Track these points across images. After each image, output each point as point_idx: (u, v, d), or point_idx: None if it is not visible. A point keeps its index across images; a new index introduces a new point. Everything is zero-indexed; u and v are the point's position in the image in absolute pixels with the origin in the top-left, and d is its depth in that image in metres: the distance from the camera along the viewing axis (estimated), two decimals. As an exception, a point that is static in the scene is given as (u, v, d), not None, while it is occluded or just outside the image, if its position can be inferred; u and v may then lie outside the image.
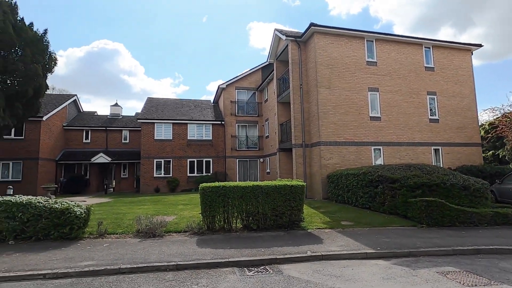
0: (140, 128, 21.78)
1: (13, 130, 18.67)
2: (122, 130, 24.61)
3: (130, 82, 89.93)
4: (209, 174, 21.30)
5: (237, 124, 22.74)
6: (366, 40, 14.72)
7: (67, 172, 22.45)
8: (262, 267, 5.18)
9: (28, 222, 6.57)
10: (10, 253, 5.80)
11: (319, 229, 7.80)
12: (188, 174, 21.23)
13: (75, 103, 25.63)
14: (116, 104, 26.91)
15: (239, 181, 20.64)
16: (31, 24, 12.76)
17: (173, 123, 21.37)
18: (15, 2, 12.35)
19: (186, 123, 21.69)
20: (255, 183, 7.76)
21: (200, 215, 7.71)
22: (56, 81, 73.43)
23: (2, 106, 10.85)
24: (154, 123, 21.01)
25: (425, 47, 15.69)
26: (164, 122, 21.24)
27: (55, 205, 6.78)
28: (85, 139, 23.72)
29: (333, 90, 13.81)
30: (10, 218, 6.46)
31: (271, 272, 4.96)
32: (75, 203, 7.36)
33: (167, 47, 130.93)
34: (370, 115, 14.23)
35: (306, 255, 5.62)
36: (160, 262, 5.23)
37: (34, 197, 6.97)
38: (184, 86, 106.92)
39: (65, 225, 6.71)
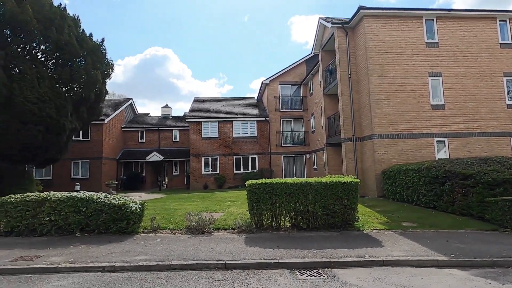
0: (188, 127, 22.69)
1: (81, 132, 20.90)
2: (172, 129, 25.94)
3: (178, 85, 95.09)
4: (254, 171, 21.31)
5: (281, 119, 22.35)
6: (425, 20, 13.12)
7: (126, 170, 24.44)
8: (315, 271, 4.78)
9: (91, 217, 7.09)
10: (76, 244, 6.28)
11: (377, 230, 7.08)
12: (235, 171, 21.51)
13: (131, 106, 27.75)
14: (166, 105, 28.48)
15: (285, 177, 20.29)
16: (91, 34, 14.00)
17: (218, 121, 21.82)
18: (78, 16, 13.65)
19: (231, 121, 21.97)
20: (304, 179, 7.33)
21: (248, 212, 7.56)
22: (115, 88, 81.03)
23: (70, 111, 12.04)
24: (201, 122, 21.69)
25: (499, 21, 13.45)
26: (211, 121, 21.79)
27: (113, 201, 7.20)
28: (140, 139, 25.54)
29: (387, 78, 12.60)
30: (76, 212, 7.02)
31: (325, 276, 4.54)
32: (130, 199, 7.76)
33: (212, 49, 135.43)
34: (432, 103, 12.68)
35: (364, 259, 5.06)
36: (209, 260, 5.15)
37: (96, 193, 7.50)
38: (228, 86, 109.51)
39: (122, 220, 7.09)
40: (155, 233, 7.21)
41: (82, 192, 7.65)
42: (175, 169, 25.85)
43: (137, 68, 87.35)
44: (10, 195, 7.24)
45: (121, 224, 7.06)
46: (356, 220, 7.28)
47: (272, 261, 5.04)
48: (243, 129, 22.09)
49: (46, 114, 10.73)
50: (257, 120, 22.15)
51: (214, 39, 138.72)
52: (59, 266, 5.03)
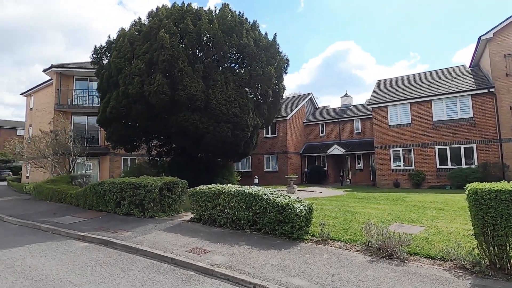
0: (371, 115, 19.66)
1: (269, 129, 23.20)
2: (353, 119, 23.67)
3: (362, 75, 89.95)
4: (471, 166, 15.16)
5: (520, 88, 14.55)
6: None
7: (309, 163, 24.80)
8: None
9: (258, 214, 6.59)
10: (242, 244, 5.86)
11: None
12: (438, 166, 16.27)
13: (311, 101, 28.03)
14: (346, 95, 26.53)
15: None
16: (266, 34, 14.61)
17: (411, 102, 17.32)
18: (255, 21, 14.64)
19: (430, 100, 16.79)
20: None
21: (471, 234, 4.44)
22: (302, 89, 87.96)
23: (251, 108, 12.93)
24: (386, 106, 18.09)
25: None
26: (400, 103, 17.69)
27: (277, 199, 6.35)
28: (321, 133, 25.13)
29: None
30: (245, 208, 6.75)
31: None
32: (297, 198, 6.66)
33: (396, 30, 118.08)
34: None
35: None
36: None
37: (262, 189, 6.99)
38: (423, 65, 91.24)
39: (286, 222, 6.09)
40: (324, 245, 5.66)
41: (251, 186, 7.40)
42: (358, 163, 23.41)
43: (321, 67, 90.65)
44: (200, 185, 8.10)
45: (285, 227, 6.05)
46: None
47: None
48: (449, 110, 16.32)
49: (233, 113, 11.95)
50: (472, 94, 15.65)
51: (399, 16, 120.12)
52: (215, 270, 4.56)
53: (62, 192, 11.59)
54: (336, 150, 22.18)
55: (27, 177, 21.92)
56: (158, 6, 13.46)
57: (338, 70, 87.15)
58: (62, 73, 19.71)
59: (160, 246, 5.79)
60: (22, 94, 25.15)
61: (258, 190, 6.86)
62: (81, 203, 10.35)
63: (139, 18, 13.84)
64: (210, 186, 7.79)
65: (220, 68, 13.17)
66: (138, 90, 11.18)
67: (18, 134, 40.80)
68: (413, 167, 16.94)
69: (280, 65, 14.24)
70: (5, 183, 25.84)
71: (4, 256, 5.52)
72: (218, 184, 7.97)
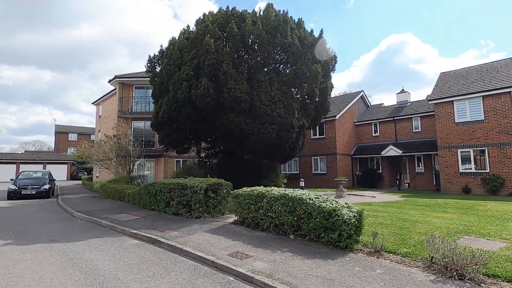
0: (433, 112, 17.62)
1: (317, 130, 22.37)
2: (411, 117, 21.51)
3: (421, 69, 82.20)
4: None
5: None
6: None
7: (361, 166, 23.25)
8: None
9: (302, 219, 6.21)
10: (284, 250, 5.55)
11: None
12: (521, 169, 13.78)
13: (363, 99, 26.33)
14: (402, 91, 24.30)
15: None
16: (311, 31, 14.07)
17: (483, 96, 15.03)
18: (301, 18, 14.21)
19: (508, 92, 14.35)
20: None
21: None
22: (353, 88, 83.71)
23: (297, 108, 12.53)
24: (452, 101, 16.00)
25: None
26: (469, 97, 15.50)
27: (323, 204, 5.88)
28: (374, 133, 23.39)
29: None
30: (288, 212, 6.42)
31: None
32: (346, 203, 6.11)
33: (461, 16, 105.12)
34: None
35: None
36: None
37: (306, 193, 6.58)
38: (497, 54, 79.54)
39: (333, 230, 5.59)
40: (377, 257, 5.04)
41: (295, 189, 7.04)
42: (418, 165, 21.17)
43: (374, 64, 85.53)
44: (243, 187, 8.00)
45: (332, 235, 5.56)
46: None
47: None
48: (534, 102, 13.73)
49: (277, 114, 11.70)
50: None
51: (461, 2, 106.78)
52: (255, 277, 4.34)
53: (121, 191, 12.62)
54: (392, 151, 20.40)
55: (97, 177, 24.63)
56: (204, 13, 13.92)
57: (393, 66, 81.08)
58: (123, 83, 21.74)
59: (203, 247, 5.79)
60: (92, 103, 28.46)
61: (303, 194, 6.47)
62: (137, 201, 11.11)
63: (188, 26, 14.50)
64: (253, 188, 7.63)
65: (265, 69, 13.05)
66: (186, 95, 11.64)
67: (91, 138, 46.36)
68: (488, 171, 14.64)
69: (327, 62, 13.57)
70: (80, 181, 29.42)
71: (68, 249, 6.08)
72: (262, 187, 7.77)
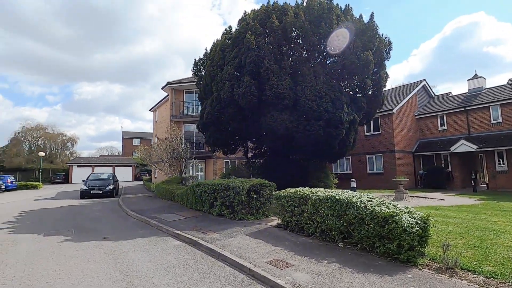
0: (518, 98, 14.66)
1: (371, 126, 20.56)
2: (488, 106, 18.33)
3: (497, 52, 71.07)
4: None
5: None
6: None
7: (425, 164, 20.64)
8: None
9: (352, 225, 5.42)
10: (331, 260, 4.86)
11: None
12: None
13: (425, 89, 23.45)
14: (475, 76, 20.93)
15: None
16: (360, 16, 12.81)
17: None
18: (348, 5, 13.04)
19: None
20: None
21: None
22: (412, 79, 76.17)
23: (346, 102, 11.48)
24: (545, 83, 13.06)
25: None
26: None
27: (377, 208, 5.03)
28: (440, 126, 20.56)
29: None
30: (335, 216, 5.68)
31: None
32: (406, 207, 5.15)
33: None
34: None
35: None
36: None
37: (357, 195, 5.75)
38: None
39: (391, 239, 4.72)
40: (450, 276, 4.04)
41: (344, 191, 6.24)
42: (500, 163, 17.90)
43: (437, 51, 76.86)
44: (287, 189, 7.45)
45: (390, 246, 4.69)
46: None
47: None
48: None
49: (324, 109, 10.84)
50: None
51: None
52: (295, 292, 3.79)
53: (171, 192, 13.09)
54: (463, 146, 17.65)
55: (155, 178, 26.42)
56: (245, 11, 13.72)
57: (460, 51, 71.61)
58: (175, 89, 22.91)
59: (242, 253, 5.42)
60: (150, 110, 30.72)
61: (352, 196, 5.67)
62: (184, 202, 11.35)
63: (230, 27, 14.46)
64: (296, 189, 7.03)
65: (310, 63, 12.28)
66: (229, 95, 11.52)
67: (151, 143, 50.47)
68: None
69: (379, 49, 12.19)
70: (141, 182, 31.99)
71: (115, 248, 6.27)
72: (307, 188, 7.13)
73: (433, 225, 5.00)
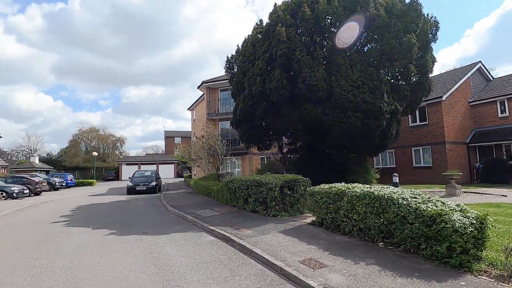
0: None
1: (417, 115, 18.93)
2: (562, 88, 15.76)
3: None
4: None
5: None
6: None
7: (482, 156, 18.48)
8: None
9: (394, 224, 4.95)
10: (369, 262, 4.48)
11: None
12: None
13: (480, 72, 20.93)
14: (544, 54, 18.11)
15: None
16: (401, -4, 11.73)
17: None
18: (386, -14, 12.03)
19: None
20: None
21: None
22: (465, 63, 68.90)
23: (386, 90, 10.66)
24: None
25: None
26: None
27: (422, 206, 4.51)
28: (501, 113, 18.21)
29: None
30: (374, 215, 5.25)
31: None
32: (458, 205, 4.56)
33: None
34: None
35: None
36: None
37: (399, 191, 5.24)
38: None
39: (439, 241, 4.20)
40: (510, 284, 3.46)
41: (385, 186, 5.75)
42: None
43: (494, 29, 68.45)
44: (321, 184, 7.11)
45: (439, 248, 4.18)
46: None
47: None
48: None
49: (361, 99, 10.16)
50: None
51: None
52: (327, 295, 3.54)
53: (208, 188, 13.39)
54: (530, 135, 15.42)
55: (195, 174, 27.40)
56: (275, 3, 13.38)
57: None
58: (210, 87, 23.40)
59: (273, 250, 5.27)
60: (188, 109, 31.87)
61: (393, 192, 5.17)
62: (220, 198, 11.51)
63: (260, 21, 14.25)
64: (331, 185, 6.66)
65: (345, 51, 11.59)
66: (260, 90, 11.37)
67: (191, 141, 52.62)
68: None
69: (424, 30, 11.05)
70: (182, 179, 33.46)
71: (153, 242, 6.53)
72: (342, 183, 6.73)
73: (492, 226, 4.35)
